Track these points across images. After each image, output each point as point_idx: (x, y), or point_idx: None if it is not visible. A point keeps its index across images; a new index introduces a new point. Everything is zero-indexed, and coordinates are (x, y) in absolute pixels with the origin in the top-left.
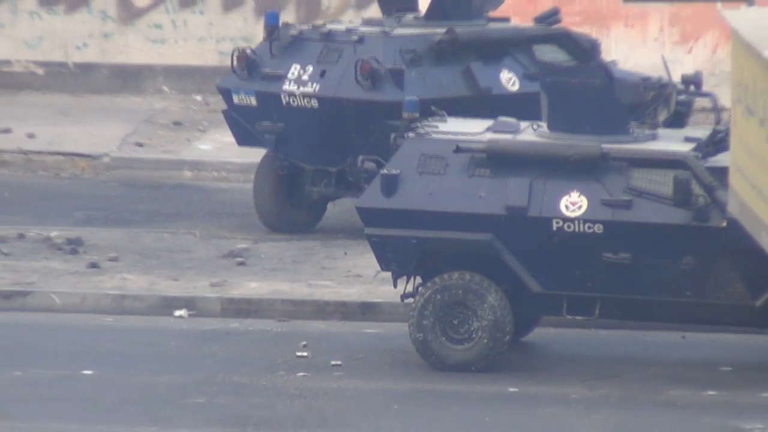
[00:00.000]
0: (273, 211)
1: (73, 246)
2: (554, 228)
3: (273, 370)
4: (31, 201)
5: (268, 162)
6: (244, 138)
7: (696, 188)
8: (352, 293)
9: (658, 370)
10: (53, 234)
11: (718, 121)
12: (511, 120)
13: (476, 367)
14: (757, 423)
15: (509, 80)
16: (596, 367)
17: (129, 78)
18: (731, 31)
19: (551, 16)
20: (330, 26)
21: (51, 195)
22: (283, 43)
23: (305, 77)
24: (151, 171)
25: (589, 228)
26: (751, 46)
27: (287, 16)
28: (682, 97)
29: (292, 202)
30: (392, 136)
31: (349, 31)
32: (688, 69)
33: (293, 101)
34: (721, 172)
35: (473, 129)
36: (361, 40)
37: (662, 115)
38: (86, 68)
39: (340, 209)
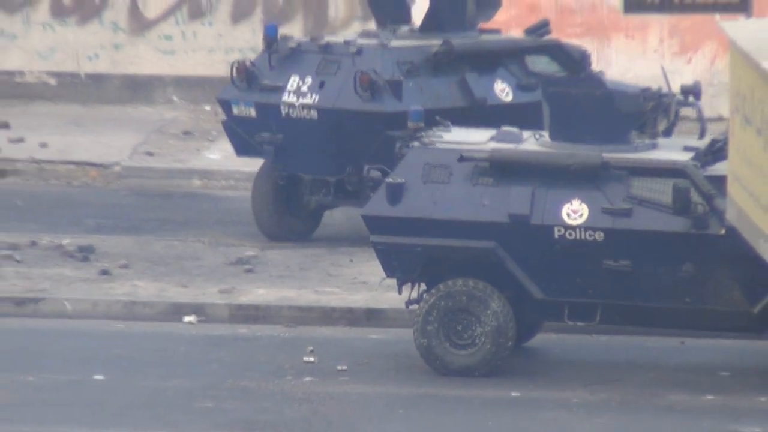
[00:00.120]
0: (271, 219)
1: (85, 253)
2: (556, 236)
3: (280, 375)
4: (44, 209)
5: (267, 171)
6: (243, 148)
7: (695, 197)
8: (358, 300)
9: (658, 375)
10: (65, 241)
11: (702, 131)
12: (514, 129)
13: (479, 372)
14: (755, 427)
15: (503, 91)
16: (597, 372)
17: (139, 88)
18: (729, 42)
19: (542, 28)
20: (328, 38)
21: (63, 203)
22: (281, 55)
23: (304, 88)
24: (161, 180)
25: (590, 236)
26: (749, 57)
27: (294, 28)
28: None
29: (289, 211)
30: (397, 145)
31: (347, 43)
32: (688, 79)
33: (292, 112)
34: (720, 181)
35: (477, 138)
36: (359, 51)
37: (662, 125)
38: (98, 79)
39: (346, 217)
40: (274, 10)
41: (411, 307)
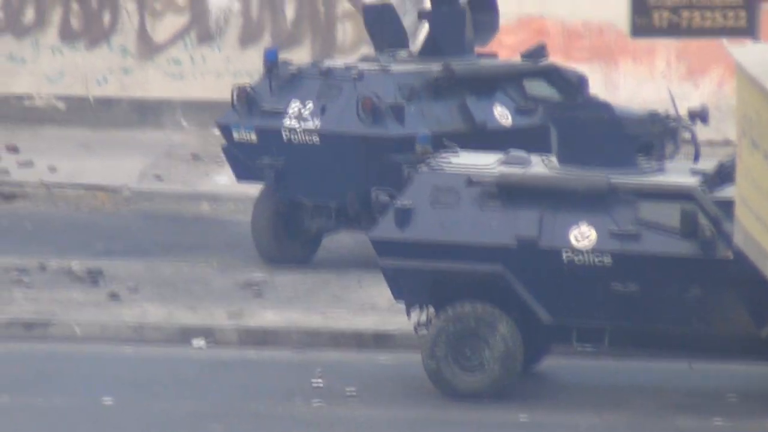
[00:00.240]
0: (271, 244)
1: (94, 277)
2: (564, 259)
3: (289, 399)
4: (53, 233)
5: (267, 196)
6: (243, 173)
7: (703, 220)
8: (367, 323)
9: (666, 399)
10: (74, 265)
11: (696, 155)
12: (522, 153)
13: (488, 396)
14: None
15: (502, 115)
16: (605, 396)
17: (148, 112)
18: (737, 66)
19: (538, 52)
20: (328, 63)
21: (72, 227)
22: (282, 79)
23: (306, 113)
24: (169, 203)
25: (598, 259)
26: (755, 80)
27: (302, 52)
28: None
29: (289, 236)
30: (405, 168)
31: (347, 67)
32: (695, 103)
33: (294, 137)
34: (727, 205)
35: (484, 162)
36: (360, 76)
37: (669, 149)
38: (106, 103)
39: (354, 241)
40: (282, 35)
41: (419, 330)
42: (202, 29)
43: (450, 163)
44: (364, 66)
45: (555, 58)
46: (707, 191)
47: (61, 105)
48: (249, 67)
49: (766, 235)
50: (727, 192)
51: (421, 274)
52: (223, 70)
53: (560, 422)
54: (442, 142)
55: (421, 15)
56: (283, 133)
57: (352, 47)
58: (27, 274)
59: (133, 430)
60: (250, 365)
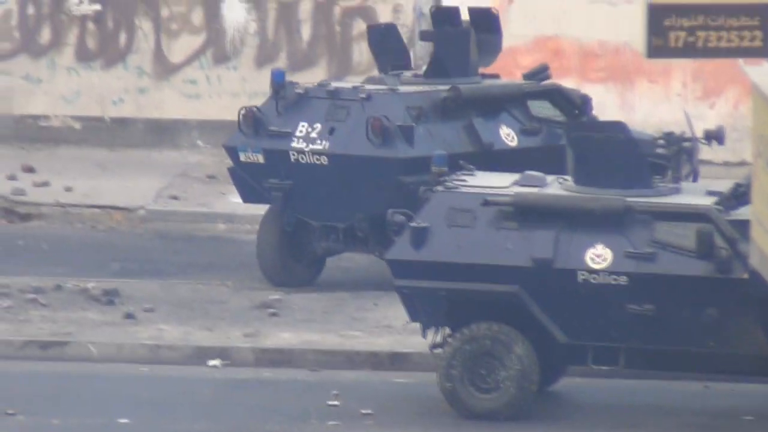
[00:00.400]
0: (276, 265)
1: (110, 297)
2: (579, 280)
3: (305, 419)
4: (69, 253)
5: (272, 217)
6: (249, 195)
7: (719, 241)
8: (382, 343)
9: (682, 419)
10: (90, 285)
11: (695, 173)
12: (538, 174)
13: (504, 416)
14: None
15: (508, 135)
16: (621, 416)
17: (164, 132)
18: (752, 87)
19: (541, 72)
20: (335, 84)
21: (88, 247)
22: (289, 101)
23: (314, 135)
24: (185, 223)
25: (613, 280)
26: None
27: (318, 73)
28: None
29: (294, 257)
30: (421, 189)
31: (355, 88)
32: (711, 124)
33: (302, 158)
34: (743, 225)
35: (500, 183)
36: (368, 97)
37: (685, 170)
38: (122, 123)
39: (369, 261)
40: (298, 55)
41: (435, 351)
42: (218, 49)
43: (466, 183)
44: (372, 87)
45: (571, 79)
46: (723, 212)
47: (77, 125)
48: (265, 87)
49: None
50: (743, 212)
51: (437, 295)
52: (239, 91)
53: None
54: (455, 162)
55: (424, 36)
56: (291, 155)
57: (368, 68)
58: (43, 294)
59: None
60: (265, 385)
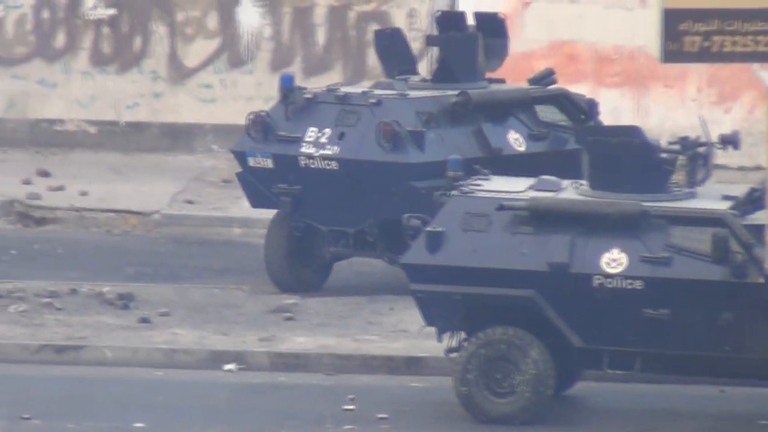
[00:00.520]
0: (284, 270)
1: (125, 301)
2: (595, 284)
3: (320, 423)
4: (84, 257)
5: (280, 222)
6: (258, 200)
7: (734, 245)
8: (398, 348)
9: (698, 424)
10: (105, 289)
11: (705, 178)
12: (553, 178)
13: (519, 421)
14: None
15: (516, 140)
16: (637, 421)
17: (179, 137)
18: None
19: (546, 77)
20: (344, 89)
21: (103, 251)
22: (297, 106)
23: (323, 140)
24: (200, 227)
25: (629, 284)
26: None
27: (333, 77)
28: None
29: (301, 262)
30: (436, 193)
31: (365, 93)
32: (726, 129)
33: (312, 163)
34: (759, 230)
35: (516, 187)
36: (379, 102)
37: (700, 175)
38: (137, 127)
39: (385, 266)
40: (313, 59)
41: (451, 355)
42: (233, 54)
43: (481, 188)
44: (381, 92)
45: (586, 84)
46: (738, 216)
47: (92, 129)
48: None
49: None
50: (759, 217)
51: (453, 299)
52: (254, 95)
53: None
54: (467, 167)
55: (430, 41)
56: (300, 160)
57: (383, 72)
58: (58, 299)
59: None
60: (281, 390)
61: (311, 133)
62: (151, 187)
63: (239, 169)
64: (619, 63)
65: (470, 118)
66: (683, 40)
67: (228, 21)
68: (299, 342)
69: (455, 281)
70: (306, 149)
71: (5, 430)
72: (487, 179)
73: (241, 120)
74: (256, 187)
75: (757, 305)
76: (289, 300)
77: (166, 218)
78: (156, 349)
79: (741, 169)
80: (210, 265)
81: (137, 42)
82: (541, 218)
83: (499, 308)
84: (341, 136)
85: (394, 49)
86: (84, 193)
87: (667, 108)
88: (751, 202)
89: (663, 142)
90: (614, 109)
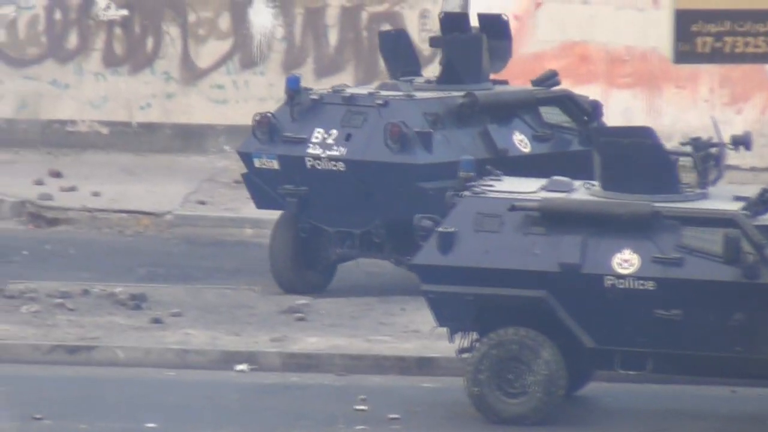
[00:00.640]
0: (289, 271)
1: (137, 302)
2: (607, 285)
3: (332, 424)
4: (96, 258)
5: (286, 223)
6: (263, 201)
7: (746, 246)
8: (410, 348)
9: (709, 424)
10: (117, 290)
11: (717, 178)
12: (565, 179)
13: (531, 421)
14: None
15: (521, 142)
16: (648, 421)
17: (191, 137)
18: None
19: (550, 79)
20: (351, 90)
21: (115, 252)
22: (303, 107)
23: (330, 141)
24: (212, 228)
25: (641, 285)
26: None
27: (345, 78)
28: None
29: (306, 264)
30: (448, 194)
31: (371, 95)
32: (738, 129)
33: (318, 164)
34: None
35: (527, 188)
36: (385, 103)
37: (712, 175)
38: (149, 128)
39: (396, 267)
40: (325, 60)
41: (462, 355)
42: (245, 54)
43: (493, 188)
44: (388, 93)
45: (598, 85)
46: (750, 217)
47: (104, 130)
48: None
49: None
50: None
51: (464, 300)
52: (267, 95)
53: None
54: (481, 168)
55: (434, 42)
56: (307, 161)
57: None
58: (70, 299)
59: None
60: (293, 390)
61: (317, 134)
62: (164, 188)
63: (245, 170)
64: (631, 64)
65: (476, 120)
66: (695, 40)
67: (240, 22)
68: (311, 342)
69: (467, 282)
70: (312, 150)
71: (18, 430)
72: (498, 180)
73: None
74: (261, 188)
75: None
76: (301, 300)
77: (179, 219)
78: (168, 349)
79: (753, 169)
80: (222, 266)
81: (149, 43)
82: (553, 219)
83: (511, 309)
84: (348, 137)
85: (398, 50)
86: (96, 194)
87: (679, 109)
88: (763, 202)
89: (675, 143)
90: (626, 110)
